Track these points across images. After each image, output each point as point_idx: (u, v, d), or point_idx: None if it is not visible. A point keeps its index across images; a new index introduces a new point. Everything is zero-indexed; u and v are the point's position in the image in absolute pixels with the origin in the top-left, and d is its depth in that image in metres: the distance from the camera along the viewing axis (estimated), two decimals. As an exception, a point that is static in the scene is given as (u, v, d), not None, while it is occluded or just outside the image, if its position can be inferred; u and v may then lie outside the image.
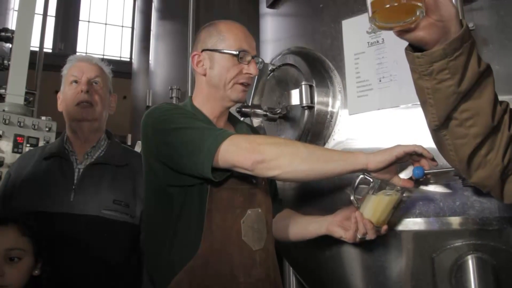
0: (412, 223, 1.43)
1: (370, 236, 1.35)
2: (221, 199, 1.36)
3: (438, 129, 0.99)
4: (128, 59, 8.96)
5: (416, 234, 1.43)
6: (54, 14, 7.93)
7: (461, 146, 0.98)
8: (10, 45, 3.46)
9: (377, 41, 1.58)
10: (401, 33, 0.91)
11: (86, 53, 8.90)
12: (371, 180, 1.37)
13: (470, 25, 1.36)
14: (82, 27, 8.96)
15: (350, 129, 1.64)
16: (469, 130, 0.94)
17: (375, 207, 1.35)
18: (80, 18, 8.87)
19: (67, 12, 8.08)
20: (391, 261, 1.51)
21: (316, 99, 1.68)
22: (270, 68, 1.98)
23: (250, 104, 1.89)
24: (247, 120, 1.90)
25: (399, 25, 0.89)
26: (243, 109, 1.85)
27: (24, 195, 1.62)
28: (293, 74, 1.83)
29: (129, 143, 5.42)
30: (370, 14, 0.90)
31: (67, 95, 1.74)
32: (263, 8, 2.25)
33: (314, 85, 1.67)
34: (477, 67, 0.91)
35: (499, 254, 1.35)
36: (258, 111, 1.88)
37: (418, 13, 0.87)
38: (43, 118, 2.96)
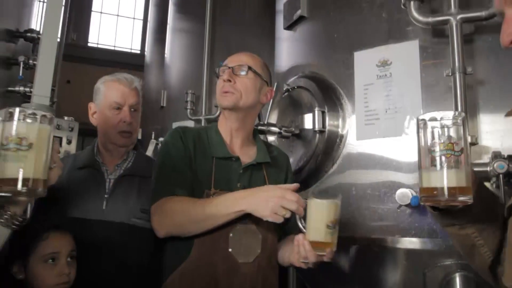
0: (408, 242, 1.61)
1: (311, 258, 1.39)
2: None
3: (493, 263, 1.05)
4: (139, 51, 9.09)
5: (411, 252, 1.61)
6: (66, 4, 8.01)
7: None
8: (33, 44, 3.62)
9: (386, 75, 1.75)
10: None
11: (97, 44, 9.06)
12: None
13: (469, 69, 1.52)
14: (94, 18, 9.09)
15: (357, 152, 1.82)
16: None
17: (314, 215, 1.38)
18: (93, 9, 9.02)
19: (80, 2, 8.20)
20: (388, 274, 1.70)
21: (327, 123, 1.85)
22: (285, 88, 2.15)
23: (266, 122, 2.06)
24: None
25: (446, 206, 1.00)
26: (259, 127, 2.02)
27: (62, 203, 1.78)
28: (307, 97, 2.00)
29: (139, 137, 5.57)
30: (420, 195, 1.01)
31: (107, 118, 1.85)
32: (280, 30, 2.41)
33: (326, 111, 1.84)
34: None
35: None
36: (273, 128, 2.05)
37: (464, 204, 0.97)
38: (66, 118, 3.14)
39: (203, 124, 3.44)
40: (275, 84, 2.05)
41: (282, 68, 2.38)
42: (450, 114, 0.99)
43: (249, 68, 1.62)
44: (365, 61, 1.82)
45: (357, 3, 1.91)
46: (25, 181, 1.03)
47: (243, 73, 1.61)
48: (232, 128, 1.67)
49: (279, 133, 2.05)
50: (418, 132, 1.02)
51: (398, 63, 1.74)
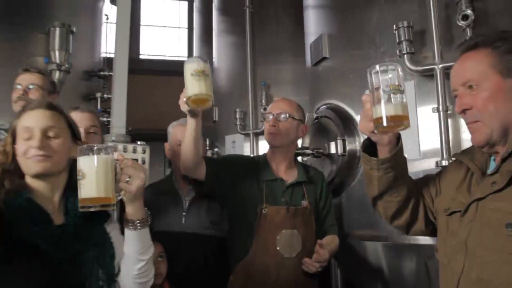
0: (413, 239, 2.11)
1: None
2: (266, 220, 2.10)
3: (374, 197, 1.53)
4: (186, 59, 9.74)
5: (416, 246, 2.11)
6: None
7: (388, 208, 1.51)
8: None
9: (390, 109, 2.24)
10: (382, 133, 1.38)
11: (148, 55, 9.81)
12: None
13: (450, 107, 2.00)
14: (143, 31, 9.86)
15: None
16: (395, 199, 1.50)
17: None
18: (141, 23, 9.78)
19: (132, 18, 8.85)
20: (401, 263, 2.21)
21: (347, 147, 2.37)
22: (315, 116, 2.68)
23: (301, 146, 2.60)
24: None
25: (393, 131, 1.35)
26: (296, 150, 2.57)
27: (151, 220, 2.40)
28: (331, 125, 2.53)
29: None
30: (374, 124, 1.32)
31: (176, 153, 2.41)
32: (308, 66, 2.94)
33: (346, 139, 2.36)
34: (405, 158, 1.48)
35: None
36: (307, 151, 2.59)
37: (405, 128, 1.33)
38: (139, 142, 3.79)
39: (251, 137, 4.01)
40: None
41: (313, 97, 2.91)
42: (394, 65, 1.31)
43: (288, 115, 2.17)
44: (374, 97, 2.31)
45: (365, 49, 2.41)
46: (85, 200, 1.32)
47: (284, 118, 2.17)
48: (278, 158, 2.23)
49: (312, 154, 2.59)
50: (372, 80, 1.31)
51: (399, 99, 2.22)
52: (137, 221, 1.46)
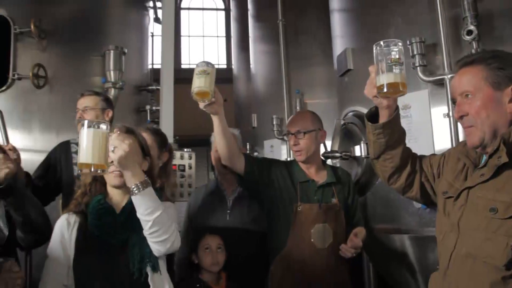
0: (431, 231, 2.36)
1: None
2: (301, 215, 2.39)
3: (373, 159, 1.84)
4: (225, 66, 10.18)
5: (431, 238, 2.35)
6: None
7: (384, 171, 1.81)
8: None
9: (407, 115, 2.50)
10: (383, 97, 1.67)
11: (189, 64, 10.31)
12: None
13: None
14: (183, 42, 10.36)
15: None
16: (389, 164, 1.77)
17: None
18: (181, 34, 10.28)
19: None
20: (419, 253, 2.46)
21: (370, 150, 2.65)
22: (342, 122, 2.97)
23: (330, 150, 2.90)
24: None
25: (392, 96, 1.62)
26: (325, 154, 2.87)
27: (200, 217, 2.78)
28: (356, 130, 2.82)
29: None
30: (378, 90, 1.59)
31: (217, 158, 2.70)
32: (336, 77, 3.23)
33: (369, 142, 2.64)
34: (402, 131, 1.77)
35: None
36: (336, 154, 2.88)
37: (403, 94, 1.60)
38: (185, 149, 4.19)
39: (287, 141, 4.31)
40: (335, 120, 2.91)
41: (341, 104, 3.20)
42: (395, 42, 1.53)
43: (304, 132, 2.46)
44: (393, 104, 2.58)
45: (385, 62, 2.68)
46: (80, 165, 1.51)
47: (301, 136, 2.47)
48: (307, 163, 2.52)
49: (340, 157, 2.88)
50: (377, 54, 1.54)
51: (415, 106, 2.48)
52: (138, 184, 1.63)
